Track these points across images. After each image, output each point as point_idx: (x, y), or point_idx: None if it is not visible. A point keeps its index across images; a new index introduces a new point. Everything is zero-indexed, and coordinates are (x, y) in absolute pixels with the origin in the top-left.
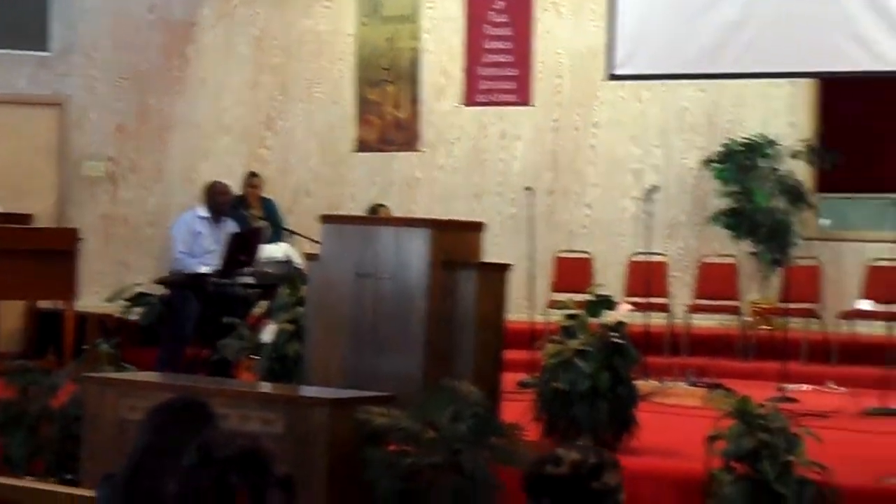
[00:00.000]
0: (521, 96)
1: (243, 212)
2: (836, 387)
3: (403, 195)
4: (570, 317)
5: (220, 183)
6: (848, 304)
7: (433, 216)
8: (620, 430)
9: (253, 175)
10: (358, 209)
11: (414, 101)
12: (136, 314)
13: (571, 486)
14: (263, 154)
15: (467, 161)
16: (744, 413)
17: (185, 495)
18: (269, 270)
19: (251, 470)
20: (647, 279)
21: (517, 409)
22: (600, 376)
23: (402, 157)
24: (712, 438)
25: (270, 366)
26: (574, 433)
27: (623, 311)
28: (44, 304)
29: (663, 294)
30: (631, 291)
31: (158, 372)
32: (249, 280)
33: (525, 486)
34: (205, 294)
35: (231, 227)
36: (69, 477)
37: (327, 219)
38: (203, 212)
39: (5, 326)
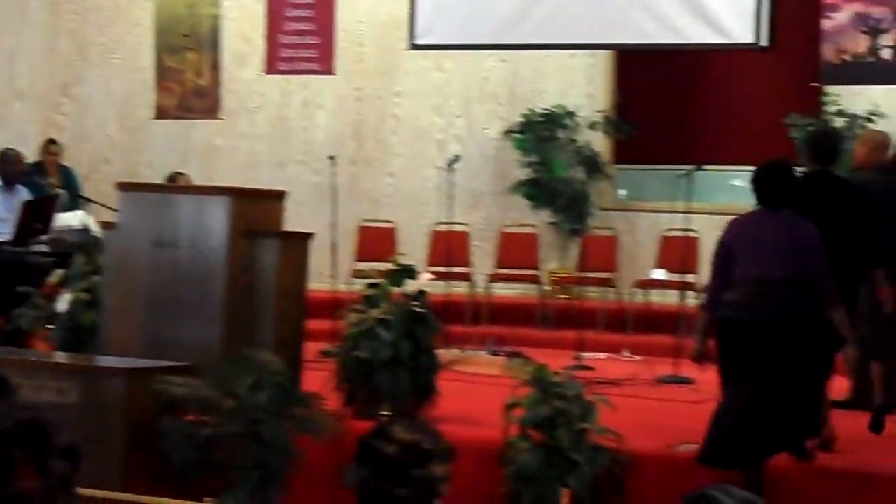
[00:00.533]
0: (324, 65)
1: (40, 179)
2: (631, 355)
3: (204, 163)
4: (372, 286)
5: (10, 150)
6: (643, 274)
7: (235, 185)
8: (421, 399)
9: (51, 142)
10: (157, 177)
11: (215, 68)
12: None
13: (393, 467)
14: (59, 120)
15: (270, 129)
16: (540, 381)
17: None
18: (65, 239)
19: (33, 441)
20: (449, 249)
21: (319, 379)
22: (401, 345)
23: (202, 125)
24: (510, 406)
25: (66, 336)
26: (375, 402)
27: (425, 281)
28: None
29: (465, 263)
30: (434, 261)
31: None
32: (44, 248)
33: (355, 452)
34: None
35: (24, 194)
36: None
37: (124, 186)
38: None
39: None
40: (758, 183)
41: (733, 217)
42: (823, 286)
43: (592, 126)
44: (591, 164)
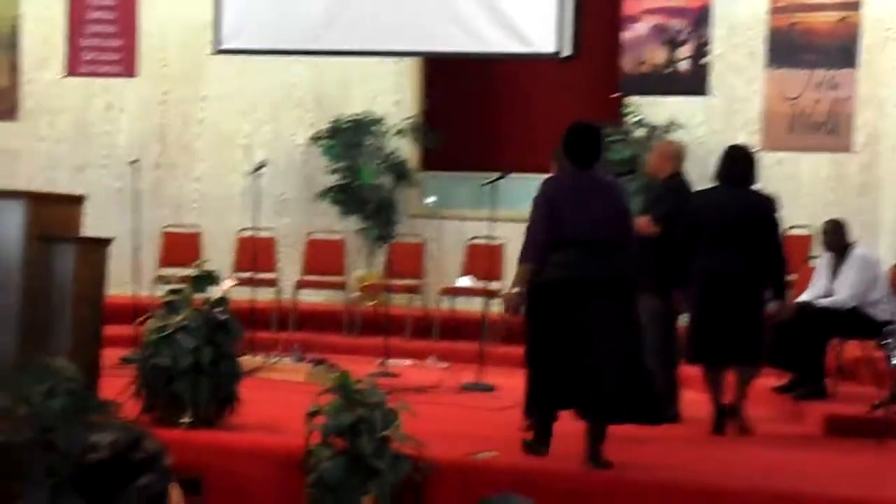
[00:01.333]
0: (126, 68)
1: None
2: (436, 362)
3: (3, 166)
4: (174, 292)
5: None
6: (450, 281)
7: (33, 189)
8: (222, 406)
9: None
10: None
11: (14, 69)
12: None
13: (116, 465)
14: None
15: (71, 132)
16: (343, 388)
17: None
18: None
19: None
20: (255, 255)
21: (118, 386)
22: (202, 352)
23: (0, 127)
24: (312, 414)
25: None
26: (175, 409)
27: (227, 287)
28: None
29: (271, 269)
30: (239, 267)
31: None
32: None
33: (73, 485)
34: None
35: None
36: None
37: None
38: None
39: None
40: (571, 145)
41: (548, 176)
42: (631, 251)
43: (400, 133)
44: (399, 171)
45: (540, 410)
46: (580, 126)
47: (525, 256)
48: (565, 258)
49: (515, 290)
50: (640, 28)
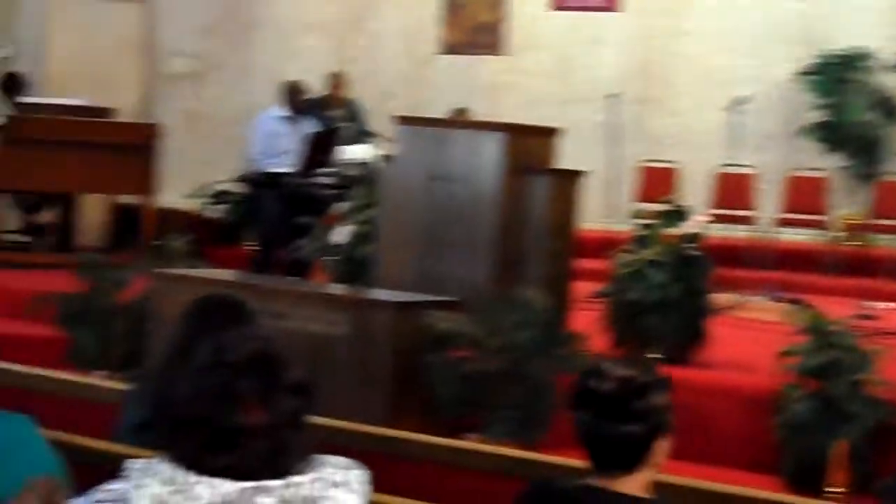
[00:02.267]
0: (609, 2)
1: (325, 112)
2: None
3: (487, 100)
4: (645, 226)
5: (298, 82)
6: None
7: (515, 122)
8: (691, 343)
9: (337, 75)
10: (440, 113)
11: (501, 4)
12: (215, 211)
13: (614, 403)
14: (350, 54)
15: (554, 66)
16: (817, 329)
17: (191, 398)
18: (348, 171)
19: (261, 374)
20: (733, 191)
21: (588, 319)
22: (672, 287)
23: (487, 61)
24: (784, 354)
25: (342, 267)
26: (643, 344)
27: (700, 223)
28: (125, 199)
29: (749, 207)
30: (715, 203)
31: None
32: (327, 180)
33: (569, 399)
34: (283, 193)
35: (310, 126)
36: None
37: (403, 120)
38: (281, 111)
39: (88, 221)
40: None
41: None
42: None
43: (892, 68)
44: (888, 108)
45: None
46: None
47: None
48: None
49: None
50: None
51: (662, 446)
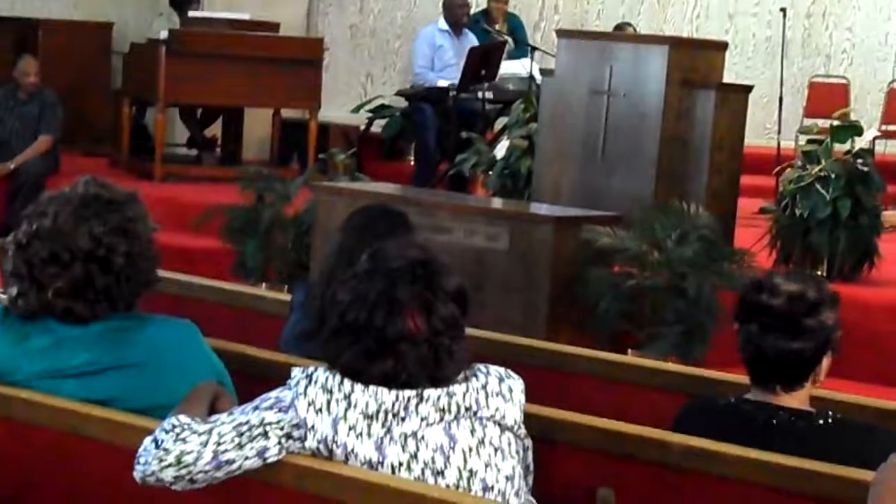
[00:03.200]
0: None
1: (487, 26)
2: None
3: (653, 14)
4: (814, 142)
5: None
6: None
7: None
8: (860, 261)
9: None
10: (604, 27)
11: None
12: (377, 126)
13: (784, 319)
14: None
15: None
16: None
17: (352, 304)
18: (510, 86)
19: (420, 282)
20: None
21: (753, 236)
22: (841, 204)
23: None
24: None
25: (502, 182)
26: (810, 262)
27: (872, 139)
28: (289, 113)
29: None
30: (888, 119)
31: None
32: (489, 95)
33: (736, 309)
34: (444, 108)
35: (472, 41)
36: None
37: (564, 34)
38: (444, 25)
39: (253, 135)
40: None
41: None
42: None
43: None
44: None
45: None
46: None
47: None
48: None
49: None
50: None
51: (827, 363)
